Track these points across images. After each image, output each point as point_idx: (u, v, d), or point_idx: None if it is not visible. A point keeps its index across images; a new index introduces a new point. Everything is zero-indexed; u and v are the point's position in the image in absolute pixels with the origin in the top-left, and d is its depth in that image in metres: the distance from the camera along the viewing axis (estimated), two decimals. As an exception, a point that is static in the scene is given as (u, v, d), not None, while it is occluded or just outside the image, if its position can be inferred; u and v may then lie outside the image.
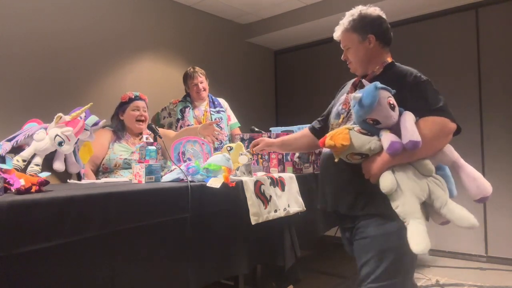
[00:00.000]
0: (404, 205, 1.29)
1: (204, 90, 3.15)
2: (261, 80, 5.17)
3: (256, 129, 2.70)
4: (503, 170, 3.60)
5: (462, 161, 1.40)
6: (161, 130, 2.39)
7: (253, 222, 1.89)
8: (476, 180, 1.35)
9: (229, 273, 1.90)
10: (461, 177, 1.38)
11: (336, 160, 1.43)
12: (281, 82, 5.35)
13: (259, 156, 2.49)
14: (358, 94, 1.36)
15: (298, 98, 5.05)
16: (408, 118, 1.34)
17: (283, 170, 2.38)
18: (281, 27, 4.54)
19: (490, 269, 3.45)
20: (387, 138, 1.32)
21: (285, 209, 2.09)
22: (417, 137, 1.27)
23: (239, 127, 3.34)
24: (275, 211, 2.03)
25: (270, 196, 2.03)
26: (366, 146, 1.35)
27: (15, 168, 1.61)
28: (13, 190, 1.27)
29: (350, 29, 1.60)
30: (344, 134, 1.36)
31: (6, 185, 1.29)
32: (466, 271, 3.41)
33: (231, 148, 2.26)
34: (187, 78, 3.18)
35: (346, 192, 1.52)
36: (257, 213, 1.92)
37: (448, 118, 1.36)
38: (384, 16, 1.62)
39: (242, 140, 2.52)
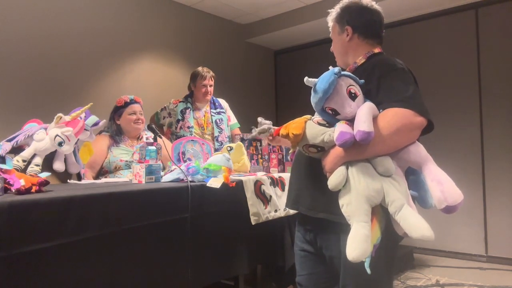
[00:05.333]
0: (349, 205, 1.16)
1: (210, 94, 3.16)
2: (261, 80, 5.17)
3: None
4: (503, 170, 3.60)
5: (431, 164, 1.19)
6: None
7: (253, 222, 1.89)
8: (442, 184, 1.12)
9: (229, 273, 1.90)
10: (426, 181, 1.18)
11: (290, 151, 1.32)
12: (281, 82, 5.35)
13: (259, 156, 2.49)
14: (313, 79, 1.23)
15: (298, 98, 5.04)
16: (364, 107, 1.18)
17: (283, 170, 2.38)
18: (281, 27, 4.54)
19: (490, 269, 3.45)
20: (338, 128, 1.17)
21: (285, 209, 2.09)
22: (366, 127, 1.11)
23: (239, 127, 3.34)
24: (275, 211, 2.03)
25: (270, 196, 2.04)
26: (319, 137, 1.22)
27: (15, 168, 1.61)
28: (13, 190, 1.27)
29: (334, 19, 1.50)
30: (298, 124, 1.25)
31: (6, 185, 1.29)
32: (466, 271, 3.41)
33: (231, 148, 2.26)
34: (198, 77, 3.13)
35: (307, 191, 1.37)
36: (257, 213, 1.92)
37: (414, 110, 1.16)
38: (373, 7, 1.46)
39: (242, 140, 2.52)
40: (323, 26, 1.58)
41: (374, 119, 1.18)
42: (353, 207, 1.15)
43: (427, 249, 3.90)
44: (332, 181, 1.19)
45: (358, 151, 1.18)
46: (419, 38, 4.09)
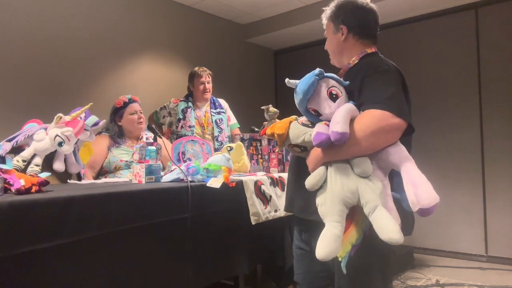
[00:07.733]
0: (323, 204, 1.17)
1: (209, 91, 3.16)
2: (261, 80, 5.17)
3: (256, 129, 2.71)
4: (503, 170, 3.60)
5: (409, 165, 1.16)
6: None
7: (253, 222, 1.89)
8: (416, 187, 1.10)
9: (229, 273, 1.90)
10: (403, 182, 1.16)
11: (277, 150, 1.30)
12: (281, 82, 5.33)
13: (259, 156, 2.49)
14: (295, 81, 1.25)
15: (298, 98, 5.04)
16: (341, 109, 1.18)
17: (283, 170, 2.38)
18: (281, 27, 4.54)
19: (490, 269, 3.45)
20: (315, 129, 1.19)
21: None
22: (340, 128, 1.12)
23: (238, 127, 3.34)
24: (275, 211, 2.03)
25: (270, 196, 2.04)
26: (300, 137, 1.25)
27: (15, 169, 1.61)
28: (13, 190, 1.27)
29: (328, 18, 1.49)
30: (283, 124, 1.28)
31: (6, 185, 1.29)
32: (466, 271, 3.41)
33: (231, 148, 2.26)
34: (195, 76, 3.16)
35: (300, 193, 1.37)
36: (257, 213, 1.92)
37: (391, 112, 1.15)
38: (368, 6, 1.43)
39: (242, 140, 2.52)
40: (323, 26, 1.58)
41: (352, 120, 1.18)
42: (327, 207, 1.16)
43: (427, 249, 3.90)
44: (309, 182, 1.22)
45: (335, 151, 1.19)
46: (419, 38, 4.08)
